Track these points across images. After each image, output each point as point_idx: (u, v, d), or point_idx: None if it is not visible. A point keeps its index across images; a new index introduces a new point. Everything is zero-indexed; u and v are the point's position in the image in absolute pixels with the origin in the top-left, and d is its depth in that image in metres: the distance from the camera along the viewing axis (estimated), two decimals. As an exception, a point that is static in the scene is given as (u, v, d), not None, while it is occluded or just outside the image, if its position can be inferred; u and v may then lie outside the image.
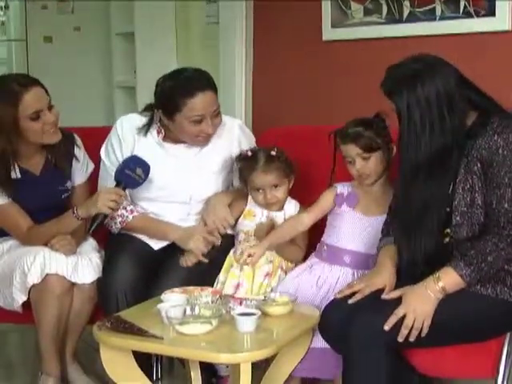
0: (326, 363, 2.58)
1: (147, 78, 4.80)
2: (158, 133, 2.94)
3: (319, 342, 2.52)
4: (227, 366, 2.85)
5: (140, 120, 2.97)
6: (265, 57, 3.99)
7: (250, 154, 2.90)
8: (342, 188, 2.80)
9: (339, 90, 3.65)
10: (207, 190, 2.96)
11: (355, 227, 2.75)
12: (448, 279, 2.28)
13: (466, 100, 2.32)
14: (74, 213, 2.82)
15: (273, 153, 2.85)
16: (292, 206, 2.92)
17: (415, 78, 2.28)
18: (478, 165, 2.30)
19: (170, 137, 2.94)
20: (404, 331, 2.27)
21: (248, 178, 2.88)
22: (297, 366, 2.59)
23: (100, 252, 2.97)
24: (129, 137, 2.95)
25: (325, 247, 2.79)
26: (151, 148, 2.94)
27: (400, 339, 2.27)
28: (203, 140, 2.90)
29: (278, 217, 2.89)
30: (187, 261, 2.83)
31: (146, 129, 2.95)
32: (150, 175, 2.86)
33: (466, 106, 2.32)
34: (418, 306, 2.27)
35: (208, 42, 4.64)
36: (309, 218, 2.80)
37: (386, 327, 2.26)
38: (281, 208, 2.90)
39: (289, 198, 2.92)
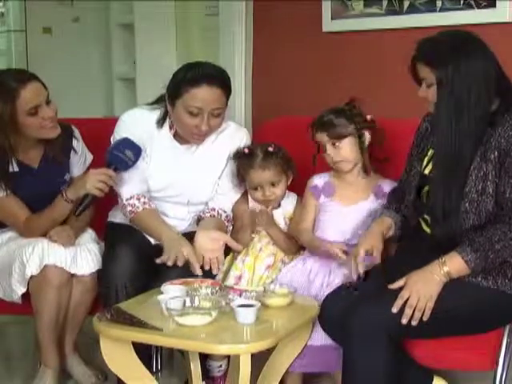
0: (326, 360, 2.58)
1: (147, 69, 4.81)
2: (170, 128, 2.90)
3: (318, 340, 2.52)
4: (220, 366, 2.86)
5: (148, 114, 2.90)
6: (265, 48, 3.98)
7: (246, 151, 2.86)
8: (319, 179, 2.82)
9: (339, 81, 3.65)
10: (204, 195, 2.93)
11: (336, 218, 2.77)
12: (453, 264, 2.27)
13: (497, 83, 2.31)
14: (63, 196, 2.82)
15: (270, 149, 2.82)
16: (289, 202, 2.90)
17: (460, 51, 2.28)
18: (496, 153, 2.29)
19: (180, 135, 2.89)
20: (407, 311, 2.26)
21: (246, 176, 2.85)
22: (297, 362, 2.59)
23: (99, 243, 2.96)
24: (138, 132, 2.87)
25: (315, 240, 2.81)
26: (165, 144, 2.89)
27: (404, 321, 2.26)
28: (198, 138, 2.84)
29: (276, 214, 2.87)
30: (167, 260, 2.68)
31: (161, 123, 2.90)
32: (160, 173, 2.85)
33: (494, 90, 2.31)
34: (422, 286, 2.27)
35: (208, 34, 4.64)
36: (307, 226, 2.82)
37: (395, 309, 2.26)
38: (278, 205, 2.89)
39: (287, 192, 2.91)
